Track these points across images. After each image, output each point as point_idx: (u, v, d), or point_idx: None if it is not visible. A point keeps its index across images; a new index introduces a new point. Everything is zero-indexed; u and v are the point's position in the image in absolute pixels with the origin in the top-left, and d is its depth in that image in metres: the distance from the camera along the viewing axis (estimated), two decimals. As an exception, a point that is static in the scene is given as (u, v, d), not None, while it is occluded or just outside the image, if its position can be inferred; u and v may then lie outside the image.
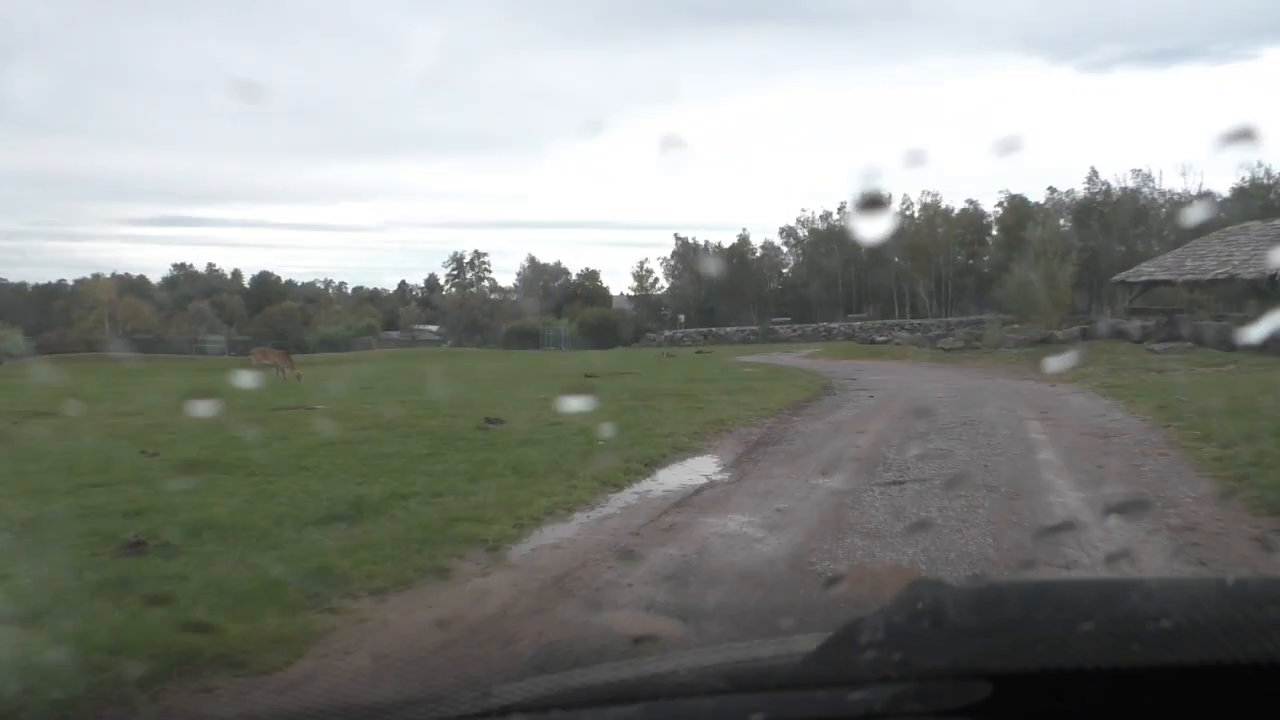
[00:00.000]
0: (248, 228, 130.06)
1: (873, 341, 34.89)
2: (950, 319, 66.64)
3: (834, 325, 68.90)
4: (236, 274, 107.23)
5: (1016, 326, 28.24)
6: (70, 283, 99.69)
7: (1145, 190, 66.28)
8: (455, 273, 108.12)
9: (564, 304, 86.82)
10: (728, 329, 71.21)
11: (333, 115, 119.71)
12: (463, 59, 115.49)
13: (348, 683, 2.26)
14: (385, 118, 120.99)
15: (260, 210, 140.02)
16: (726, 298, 77.18)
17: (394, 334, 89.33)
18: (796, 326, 70.31)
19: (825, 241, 75.49)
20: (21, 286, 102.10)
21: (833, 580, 4.90)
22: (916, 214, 72.70)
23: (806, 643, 1.20)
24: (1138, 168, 61.53)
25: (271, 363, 28.62)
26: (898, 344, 31.90)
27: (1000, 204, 72.20)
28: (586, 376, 23.63)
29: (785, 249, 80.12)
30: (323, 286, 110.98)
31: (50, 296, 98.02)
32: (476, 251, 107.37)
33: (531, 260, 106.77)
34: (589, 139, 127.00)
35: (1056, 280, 30.83)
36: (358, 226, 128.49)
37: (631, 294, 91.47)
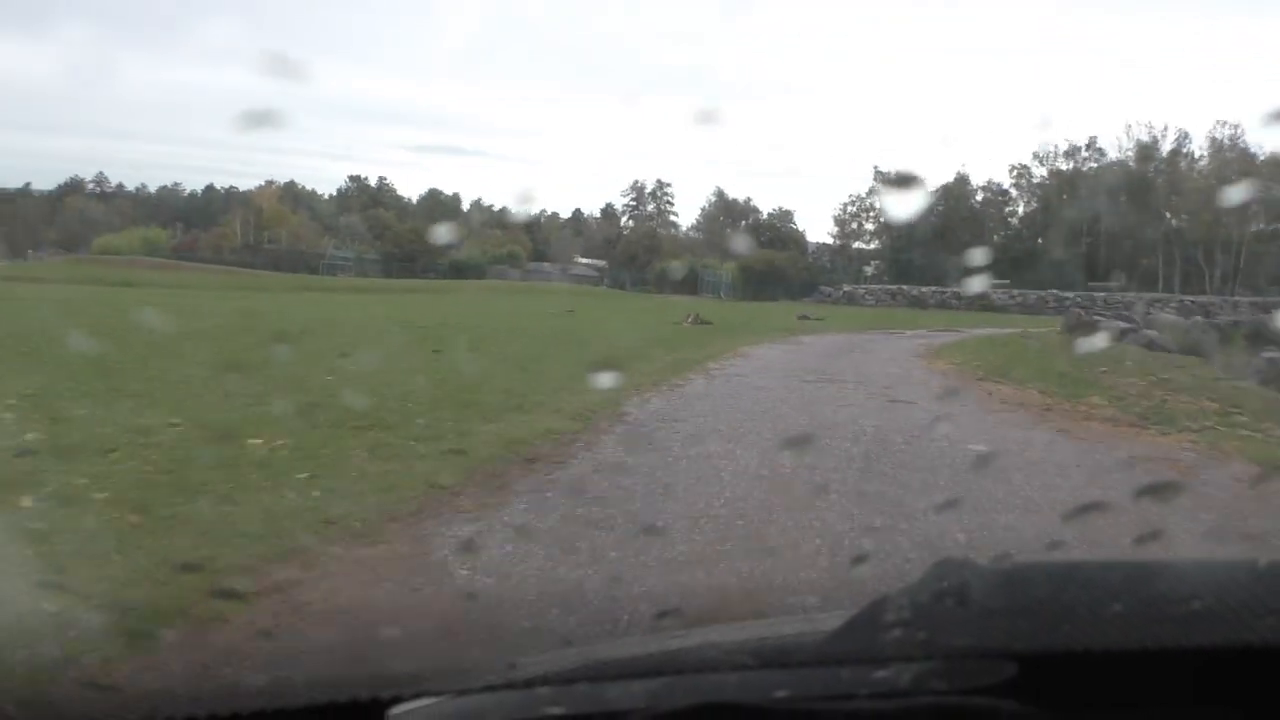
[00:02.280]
0: (491, 159, 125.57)
1: (1089, 324, 17.33)
2: (1238, 299, 48.15)
3: (1068, 295, 51.91)
4: (458, 196, 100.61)
5: None
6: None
7: None
8: (634, 202, 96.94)
9: (753, 246, 73.77)
10: (925, 288, 55.77)
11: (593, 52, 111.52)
12: None
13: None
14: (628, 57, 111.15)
15: (512, 143, 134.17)
16: (932, 250, 61.09)
17: (545, 265, 79.30)
18: (1017, 293, 53.88)
19: (1070, 185, 57.59)
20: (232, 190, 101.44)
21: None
22: (1203, 154, 53.67)
23: (830, 620, 1.20)
24: None
25: None
26: (1139, 340, 14.59)
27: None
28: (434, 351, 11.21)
29: (1015, 192, 62.64)
30: (536, 213, 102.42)
31: (231, 201, 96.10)
32: (660, 181, 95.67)
33: (719, 194, 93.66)
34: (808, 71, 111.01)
35: None
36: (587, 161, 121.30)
37: (832, 241, 76.48)
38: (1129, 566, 1.27)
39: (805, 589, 4.03)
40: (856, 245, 73.32)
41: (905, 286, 56.53)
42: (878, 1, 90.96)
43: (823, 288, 58.63)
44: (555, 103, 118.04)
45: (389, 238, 72.66)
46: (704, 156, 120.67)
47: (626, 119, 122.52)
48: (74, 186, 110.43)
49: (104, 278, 37.93)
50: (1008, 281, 55.95)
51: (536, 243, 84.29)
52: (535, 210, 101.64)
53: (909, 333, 21.94)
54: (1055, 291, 52.11)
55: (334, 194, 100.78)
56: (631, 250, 78.40)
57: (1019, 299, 53.98)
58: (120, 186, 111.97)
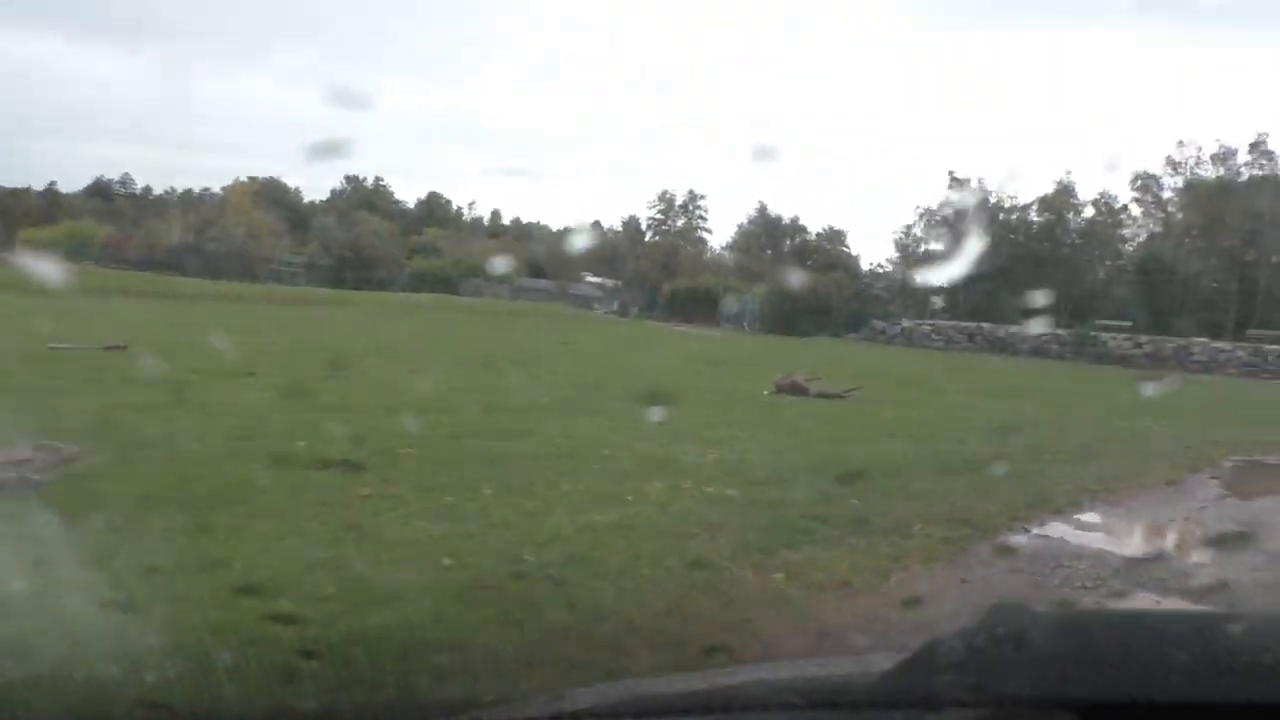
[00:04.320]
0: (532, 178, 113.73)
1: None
2: None
3: (1223, 346, 37.27)
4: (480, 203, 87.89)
5: None
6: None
7: None
8: (661, 215, 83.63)
9: (793, 270, 60.46)
10: (1014, 328, 41.45)
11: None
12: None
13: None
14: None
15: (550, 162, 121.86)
16: (1024, 280, 46.47)
17: (543, 283, 66.38)
18: (1142, 339, 39.39)
19: (1218, 198, 42.82)
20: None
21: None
22: None
23: (882, 661, 1.17)
24: None
25: None
26: None
27: None
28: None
29: (1137, 209, 47.73)
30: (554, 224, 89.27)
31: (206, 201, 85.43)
32: (692, 192, 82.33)
33: (761, 210, 79.92)
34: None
35: None
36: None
37: (890, 265, 62.15)
38: (1194, 616, 1.20)
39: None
40: (923, 271, 59.10)
41: (986, 325, 42.27)
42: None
43: (875, 322, 44.59)
44: (597, 118, 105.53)
45: (345, 243, 60.26)
46: (752, 172, 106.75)
47: (666, 135, 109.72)
48: (100, 188, 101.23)
49: None
50: (1129, 324, 41.40)
51: (536, 256, 71.18)
52: (543, 223, 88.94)
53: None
54: (1203, 340, 37.39)
55: (324, 196, 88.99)
56: (644, 268, 65.07)
57: (1143, 346, 39.43)
58: (147, 189, 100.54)
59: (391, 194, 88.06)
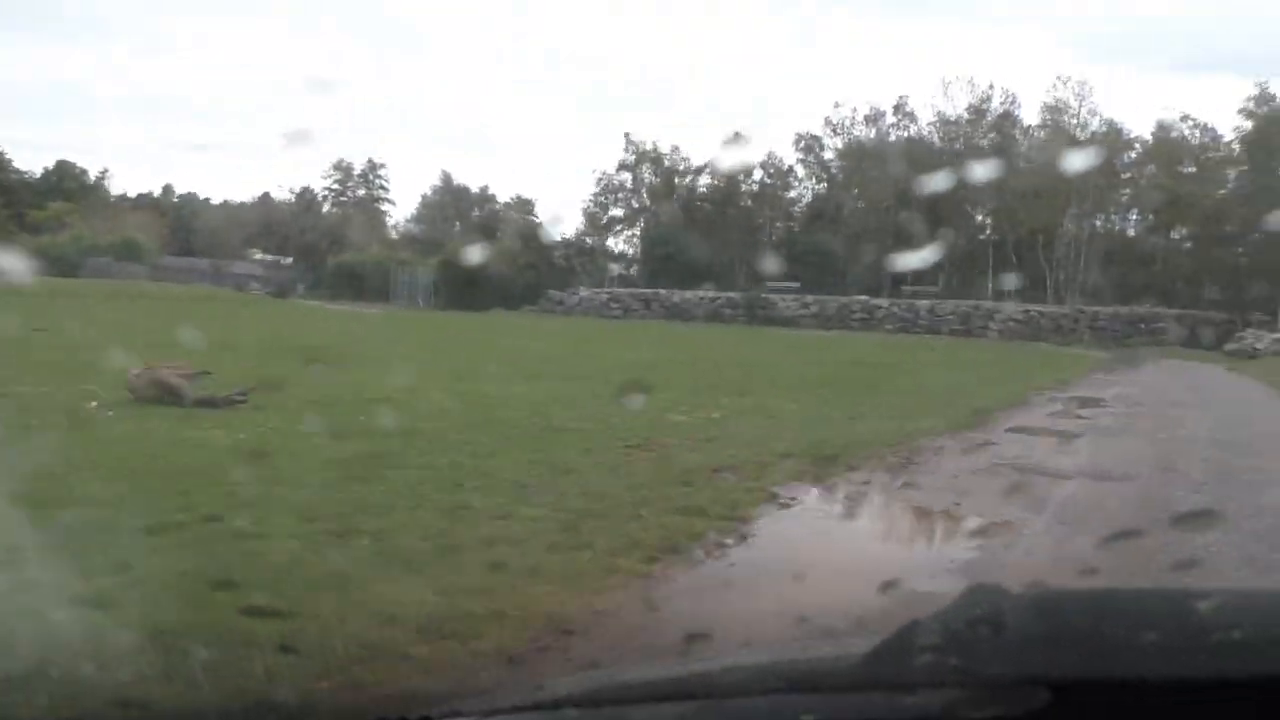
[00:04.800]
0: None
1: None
2: (1097, 309, 35.86)
3: (881, 303, 38.08)
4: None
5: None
6: None
7: None
8: (338, 186, 77.07)
9: (478, 241, 56.81)
10: (689, 293, 40.52)
11: None
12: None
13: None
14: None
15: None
16: (698, 242, 45.74)
17: (195, 261, 58.83)
18: (810, 299, 39.71)
19: (873, 159, 43.92)
20: None
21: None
22: (1036, 128, 41.30)
23: (861, 645, 1.18)
24: None
25: None
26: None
27: (1190, 124, 40.66)
28: None
29: (802, 170, 48.36)
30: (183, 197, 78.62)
31: None
32: (371, 161, 76.28)
33: (445, 179, 75.56)
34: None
35: None
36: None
37: (576, 233, 60.03)
38: (1166, 594, 1.24)
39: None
40: (609, 241, 57.68)
41: (663, 291, 41.05)
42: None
43: (552, 292, 42.23)
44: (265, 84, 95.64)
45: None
46: (435, 136, 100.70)
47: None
48: None
49: None
50: (796, 283, 41.62)
51: (189, 231, 63.13)
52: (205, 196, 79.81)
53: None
54: (864, 298, 37.98)
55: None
56: (313, 242, 59.23)
57: (810, 305, 39.74)
58: None
59: (9, 162, 75.22)
